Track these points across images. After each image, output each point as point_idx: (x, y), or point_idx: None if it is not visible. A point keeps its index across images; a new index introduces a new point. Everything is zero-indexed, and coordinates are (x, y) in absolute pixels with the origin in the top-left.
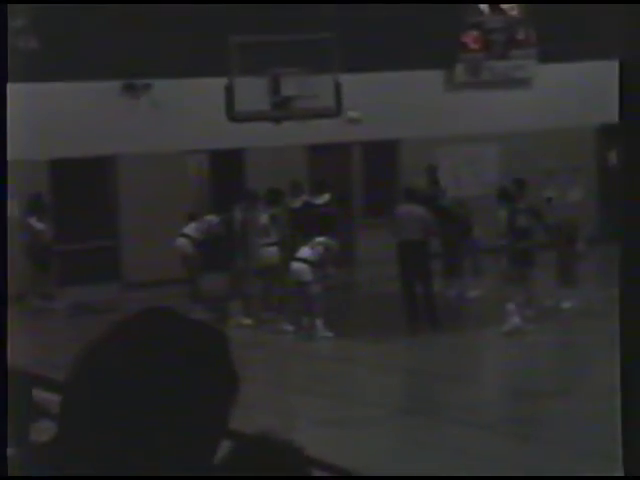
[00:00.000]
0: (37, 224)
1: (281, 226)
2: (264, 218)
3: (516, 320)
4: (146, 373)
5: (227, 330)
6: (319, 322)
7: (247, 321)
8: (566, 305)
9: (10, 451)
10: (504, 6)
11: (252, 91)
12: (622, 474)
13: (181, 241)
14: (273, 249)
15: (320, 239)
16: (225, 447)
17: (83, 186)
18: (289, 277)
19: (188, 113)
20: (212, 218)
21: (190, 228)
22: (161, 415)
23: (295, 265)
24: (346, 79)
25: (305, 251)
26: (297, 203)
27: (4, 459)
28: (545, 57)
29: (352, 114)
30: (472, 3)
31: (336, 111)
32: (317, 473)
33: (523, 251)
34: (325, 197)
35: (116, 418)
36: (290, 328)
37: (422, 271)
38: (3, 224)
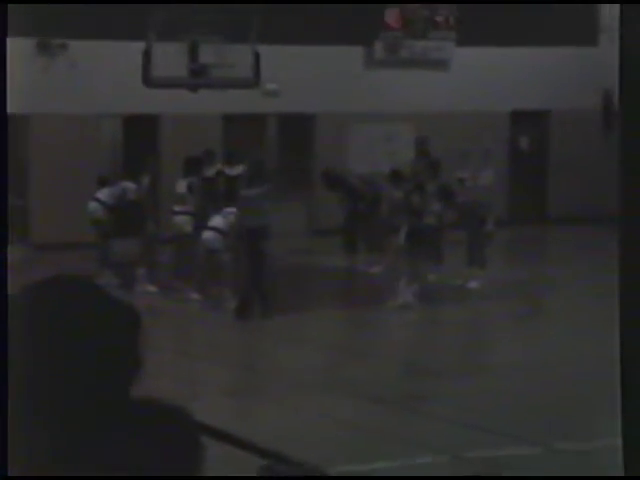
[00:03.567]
0: None
1: (198, 195)
2: (181, 186)
3: (408, 297)
4: (50, 343)
5: (133, 296)
6: (227, 291)
7: (152, 288)
8: (473, 285)
9: None
10: None
11: (170, 57)
12: (622, 474)
13: (93, 205)
14: (186, 218)
15: (232, 209)
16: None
17: None
18: (200, 245)
19: (104, 76)
20: (128, 184)
21: (103, 193)
22: (58, 385)
23: (206, 234)
24: (265, 51)
25: (217, 220)
26: (210, 172)
27: (4, 459)
28: (463, 40)
29: (269, 86)
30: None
31: (254, 82)
32: (210, 441)
33: (414, 229)
34: (239, 168)
35: (17, 380)
36: (197, 296)
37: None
38: (4, 219)
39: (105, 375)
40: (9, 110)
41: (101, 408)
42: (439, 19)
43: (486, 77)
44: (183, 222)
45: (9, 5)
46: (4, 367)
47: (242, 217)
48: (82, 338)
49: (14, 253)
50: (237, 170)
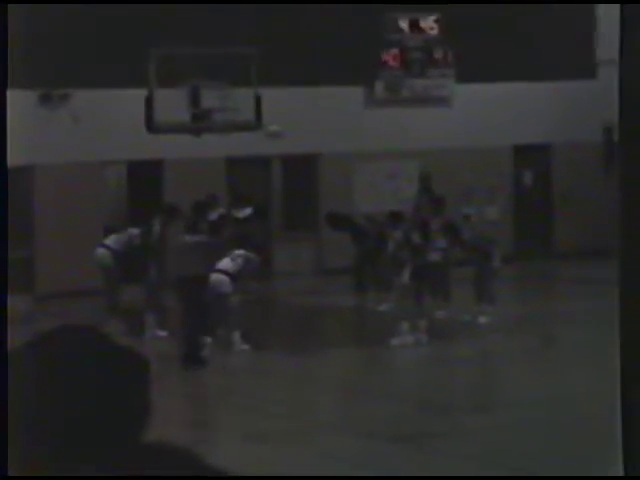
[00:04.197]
0: None
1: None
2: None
3: (407, 339)
4: (58, 393)
5: (143, 342)
6: (236, 335)
7: (162, 333)
8: (482, 320)
9: None
10: (423, 25)
11: (172, 103)
12: (622, 474)
13: (101, 252)
14: None
15: (240, 251)
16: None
17: None
18: (208, 289)
19: (107, 124)
20: (133, 230)
21: (110, 239)
22: (68, 433)
23: (214, 276)
24: (267, 93)
25: (225, 263)
26: (213, 216)
27: (4, 459)
28: (462, 77)
29: (272, 128)
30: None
31: (256, 125)
32: None
33: (418, 267)
34: (247, 211)
35: (25, 431)
36: (207, 340)
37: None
38: (3, 225)
39: (114, 421)
40: (14, 163)
41: (111, 454)
42: (437, 56)
43: (487, 113)
44: None
45: (11, 58)
46: (4, 368)
47: (178, 265)
48: (89, 387)
49: (20, 304)
50: (245, 213)
